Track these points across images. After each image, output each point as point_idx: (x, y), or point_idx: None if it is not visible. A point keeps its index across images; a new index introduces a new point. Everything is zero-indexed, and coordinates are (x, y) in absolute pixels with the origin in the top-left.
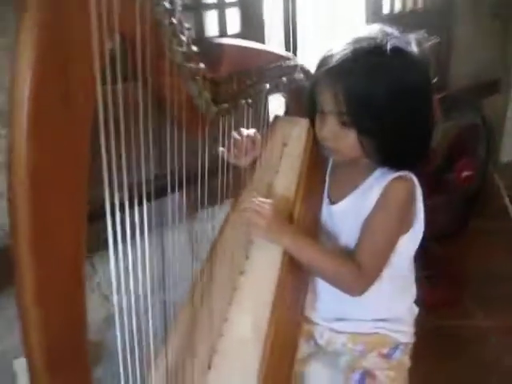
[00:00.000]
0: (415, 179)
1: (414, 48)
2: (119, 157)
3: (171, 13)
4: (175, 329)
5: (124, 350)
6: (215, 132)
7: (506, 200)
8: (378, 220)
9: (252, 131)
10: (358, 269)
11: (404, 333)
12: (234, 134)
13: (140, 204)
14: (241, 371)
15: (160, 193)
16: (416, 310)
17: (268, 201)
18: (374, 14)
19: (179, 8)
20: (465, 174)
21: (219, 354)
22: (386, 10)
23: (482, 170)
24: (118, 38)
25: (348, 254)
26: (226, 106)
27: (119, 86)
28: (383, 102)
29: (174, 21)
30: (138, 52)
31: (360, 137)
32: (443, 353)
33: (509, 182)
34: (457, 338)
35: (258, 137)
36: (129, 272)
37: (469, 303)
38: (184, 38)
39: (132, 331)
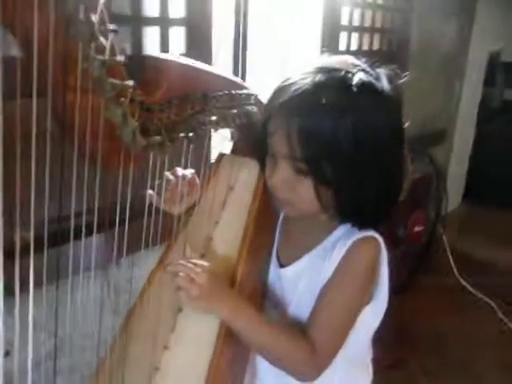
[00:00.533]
0: (381, 240)
1: (385, 84)
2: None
3: (89, 6)
4: None
5: None
6: (143, 169)
7: (450, 257)
8: (339, 289)
9: (189, 172)
10: (312, 349)
11: None
12: (167, 174)
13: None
14: None
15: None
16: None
17: (203, 264)
18: (330, 49)
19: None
20: (416, 229)
21: None
22: (342, 46)
23: (433, 222)
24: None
25: (299, 330)
26: (158, 138)
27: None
28: (346, 148)
29: (94, 18)
30: (35, 58)
31: (317, 187)
32: None
33: (452, 232)
34: None
35: (197, 180)
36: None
37: (414, 367)
38: (106, 43)
39: None
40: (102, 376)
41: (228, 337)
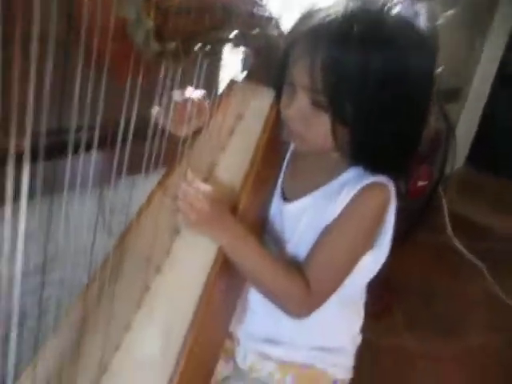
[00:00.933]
0: (392, 188)
1: (423, 23)
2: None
3: None
4: (60, 327)
5: None
6: (151, 84)
7: (446, 217)
8: (342, 231)
9: (200, 94)
10: (307, 288)
11: (343, 367)
12: (176, 93)
13: (37, 160)
14: None
15: (62, 150)
16: (359, 339)
17: (206, 188)
18: None
19: None
20: (420, 183)
21: (111, 374)
22: None
23: (436, 180)
24: None
25: (296, 267)
26: (172, 46)
27: None
28: (372, 86)
29: None
30: None
31: (334, 124)
32: (363, 371)
33: (451, 192)
34: (380, 355)
35: (206, 103)
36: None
37: (398, 319)
38: None
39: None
40: (92, 291)
41: (223, 265)
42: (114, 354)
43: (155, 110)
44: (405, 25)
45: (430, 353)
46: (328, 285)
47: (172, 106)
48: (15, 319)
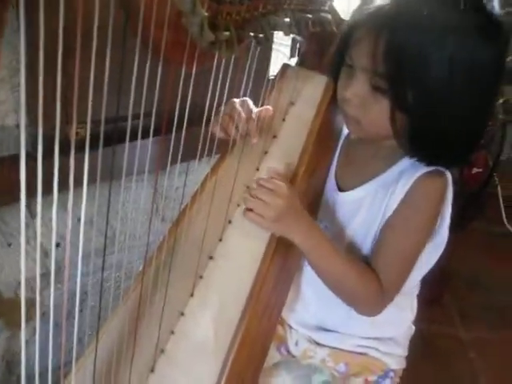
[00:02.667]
0: (449, 176)
1: (497, 9)
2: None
3: None
4: (117, 311)
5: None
6: (205, 71)
7: (501, 205)
8: (406, 225)
9: (249, 105)
10: (380, 285)
11: (397, 357)
12: (230, 104)
13: (96, 147)
14: (194, 379)
15: (120, 137)
16: (413, 329)
17: (281, 184)
18: None
19: None
20: (475, 170)
21: (166, 356)
22: None
23: (491, 167)
24: None
25: (367, 265)
26: (226, 34)
27: None
28: (437, 73)
29: None
30: None
31: (394, 110)
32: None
33: (507, 180)
34: (431, 344)
35: (254, 111)
36: (77, 224)
37: (450, 307)
38: None
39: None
40: (148, 275)
41: (276, 254)
42: (169, 337)
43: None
44: (478, 9)
45: (482, 343)
46: (398, 281)
47: (221, 116)
48: (77, 300)
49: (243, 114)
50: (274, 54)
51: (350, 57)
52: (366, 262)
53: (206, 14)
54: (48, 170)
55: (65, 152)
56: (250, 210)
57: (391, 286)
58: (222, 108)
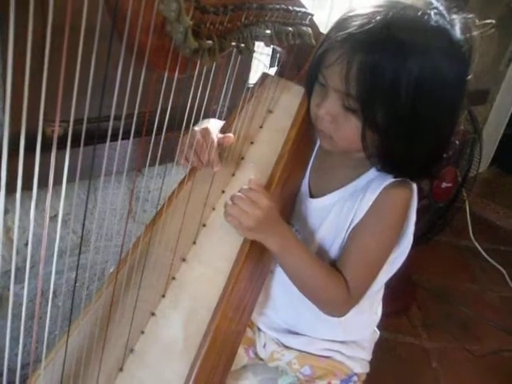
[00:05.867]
0: (414, 185)
1: (458, 33)
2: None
3: None
4: (89, 308)
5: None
6: (186, 78)
7: (468, 219)
8: (373, 230)
9: (211, 134)
10: (347, 287)
11: (361, 361)
12: (195, 131)
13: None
14: (162, 379)
15: (99, 137)
16: (377, 334)
17: (262, 196)
18: None
19: None
20: (444, 185)
21: (135, 356)
22: None
23: (460, 182)
24: None
25: (334, 268)
26: (209, 43)
27: None
28: (405, 94)
29: None
30: None
31: (364, 129)
32: (380, 367)
33: (474, 195)
34: (396, 353)
35: (215, 138)
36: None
37: (416, 318)
38: None
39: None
40: (121, 274)
41: (248, 257)
42: (139, 337)
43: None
44: (442, 34)
45: (446, 353)
46: (364, 283)
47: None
48: (48, 298)
49: (205, 145)
50: (254, 63)
51: (324, 76)
52: (334, 266)
53: (191, 23)
54: (26, 168)
55: (44, 150)
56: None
57: (357, 289)
58: (182, 139)
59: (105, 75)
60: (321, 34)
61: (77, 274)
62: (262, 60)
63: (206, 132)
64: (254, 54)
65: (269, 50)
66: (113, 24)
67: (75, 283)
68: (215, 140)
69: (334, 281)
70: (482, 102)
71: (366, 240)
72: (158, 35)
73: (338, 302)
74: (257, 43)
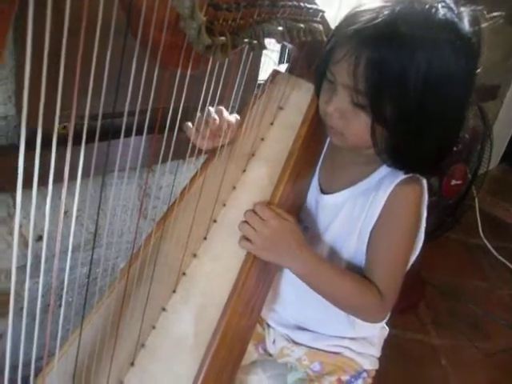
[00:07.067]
0: (425, 180)
1: (467, 26)
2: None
3: None
4: (100, 303)
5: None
6: (199, 74)
7: (478, 216)
8: (394, 234)
9: (231, 117)
10: (380, 294)
11: (370, 358)
12: (210, 110)
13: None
14: (173, 374)
15: (110, 134)
16: (386, 331)
17: (273, 215)
18: None
19: None
20: (453, 182)
21: (147, 351)
22: None
23: (470, 180)
24: None
25: (362, 276)
26: (222, 39)
27: None
28: (414, 89)
29: None
30: None
31: (374, 124)
32: (389, 364)
33: (484, 192)
34: (405, 350)
35: (233, 121)
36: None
37: (424, 315)
38: None
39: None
40: (133, 269)
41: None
42: (151, 332)
43: (187, 126)
44: (450, 27)
45: (455, 351)
46: (395, 285)
47: (197, 119)
48: (61, 292)
49: (217, 121)
50: (263, 60)
51: (332, 73)
52: (352, 268)
53: (204, 19)
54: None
55: (54, 146)
56: (245, 238)
57: (389, 292)
58: (198, 114)
59: (119, 72)
60: (331, 30)
61: (90, 268)
62: (271, 57)
63: (219, 111)
64: (264, 51)
65: (278, 47)
66: (127, 21)
67: (89, 278)
68: (228, 119)
69: (365, 291)
70: (492, 98)
71: (389, 243)
72: (172, 31)
73: (374, 310)
74: (266, 40)
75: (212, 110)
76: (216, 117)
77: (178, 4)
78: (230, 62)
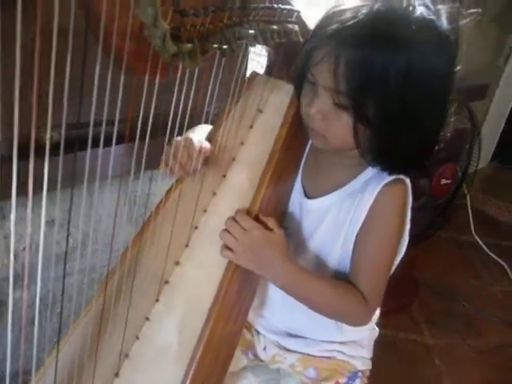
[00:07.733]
0: (409, 182)
1: (444, 24)
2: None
3: None
4: (81, 317)
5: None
6: (168, 81)
7: (470, 214)
8: (379, 237)
9: (194, 143)
10: (364, 298)
11: (362, 359)
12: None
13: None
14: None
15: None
16: (377, 331)
17: (255, 225)
18: None
19: None
20: (443, 182)
21: (131, 361)
22: None
23: (460, 179)
24: None
25: (345, 281)
26: (189, 47)
27: None
28: (395, 87)
29: None
30: None
31: (356, 124)
32: (382, 364)
33: (475, 190)
34: (399, 350)
35: (207, 146)
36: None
37: (416, 316)
38: None
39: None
40: (112, 281)
41: None
42: (134, 342)
43: (166, 149)
44: (428, 25)
45: (449, 350)
46: (379, 288)
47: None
48: (38, 307)
49: (189, 155)
50: (250, 65)
51: (312, 74)
52: (338, 276)
53: (168, 26)
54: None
55: (38, 156)
56: (227, 247)
57: (374, 296)
58: (166, 147)
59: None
60: (309, 30)
61: (63, 281)
62: (259, 61)
63: (188, 142)
64: (251, 55)
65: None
66: (87, 26)
67: (63, 291)
68: (197, 149)
69: (348, 297)
70: (481, 97)
71: (375, 245)
72: (137, 40)
73: (359, 315)
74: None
75: (180, 140)
76: (183, 149)
77: (141, 12)
78: (212, 68)
